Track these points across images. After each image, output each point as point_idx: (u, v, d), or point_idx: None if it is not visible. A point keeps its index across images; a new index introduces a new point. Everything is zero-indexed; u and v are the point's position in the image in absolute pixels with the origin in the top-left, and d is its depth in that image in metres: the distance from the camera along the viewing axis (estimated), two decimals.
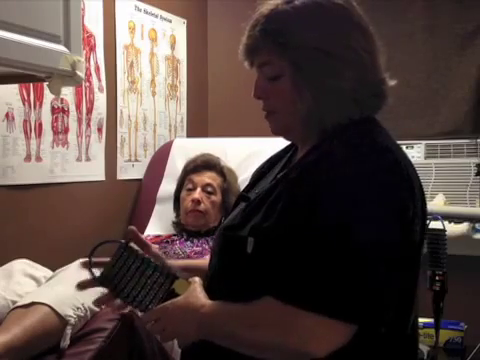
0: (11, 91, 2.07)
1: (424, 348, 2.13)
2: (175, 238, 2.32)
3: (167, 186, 2.61)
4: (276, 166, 1.31)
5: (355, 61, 1.12)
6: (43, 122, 2.22)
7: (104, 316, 1.60)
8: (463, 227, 2.66)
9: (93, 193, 2.50)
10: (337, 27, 1.14)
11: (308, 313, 1.02)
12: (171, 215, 2.44)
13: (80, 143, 2.41)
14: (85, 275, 1.24)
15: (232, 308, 1.10)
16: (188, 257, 2.17)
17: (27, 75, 1.63)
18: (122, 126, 2.67)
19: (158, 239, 2.35)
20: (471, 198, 2.84)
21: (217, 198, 2.31)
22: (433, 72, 2.82)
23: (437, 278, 1.95)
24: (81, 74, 1.66)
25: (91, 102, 2.46)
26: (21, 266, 1.76)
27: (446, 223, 2.13)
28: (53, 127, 2.27)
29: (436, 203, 2.73)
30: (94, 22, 2.46)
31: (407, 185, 1.08)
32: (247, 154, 2.53)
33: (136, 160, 2.78)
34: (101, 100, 2.52)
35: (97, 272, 1.21)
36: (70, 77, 1.64)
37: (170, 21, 3.00)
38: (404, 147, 1.19)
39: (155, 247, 1.93)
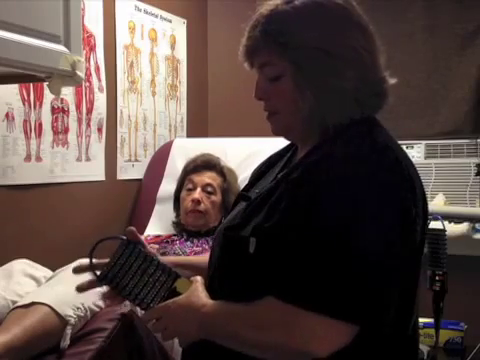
0: (11, 91, 2.07)
1: (424, 348, 2.13)
2: (175, 238, 2.32)
3: (167, 186, 2.61)
4: (276, 165, 1.31)
5: (356, 60, 1.12)
6: (43, 122, 2.22)
7: (104, 316, 1.60)
8: (463, 227, 2.66)
9: (93, 193, 2.50)
10: (337, 27, 1.14)
11: (310, 313, 1.02)
12: (171, 215, 2.44)
13: (80, 143, 2.41)
14: (85, 275, 1.23)
15: (233, 308, 1.10)
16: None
17: (27, 75, 1.63)
18: (122, 126, 2.67)
19: (158, 239, 2.35)
20: (471, 198, 2.84)
21: (217, 198, 2.31)
22: (433, 72, 2.83)
23: (437, 278, 1.95)
24: (81, 74, 1.66)
25: (91, 102, 2.46)
26: (21, 266, 1.76)
27: (446, 223, 2.13)
28: (53, 127, 2.27)
29: (436, 203, 2.73)
30: (94, 22, 2.46)
31: (408, 185, 1.08)
32: (247, 154, 2.53)
33: (136, 160, 2.78)
34: (101, 100, 2.52)
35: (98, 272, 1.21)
36: (70, 77, 1.64)
37: (170, 21, 3.00)
38: (404, 147, 1.19)
39: (154, 247, 1.93)
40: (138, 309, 1.57)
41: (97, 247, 1.17)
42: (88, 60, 2.42)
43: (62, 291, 1.59)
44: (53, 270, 1.80)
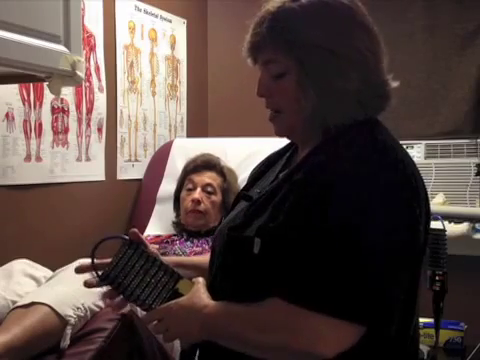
0: (11, 91, 2.07)
1: (424, 348, 2.13)
2: (175, 238, 2.32)
3: (167, 186, 2.61)
4: (276, 165, 1.31)
5: (360, 61, 1.12)
6: (43, 122, 2.22)
7: (104, 316, 1.60)
8: (463, 227, 2.66)
9: (93, 193, 2.50)
10: (343, 27, 1.13)
11: (316, 314, 1.02)
12: (171, 215, 2.44)
13: (80, 143, 2.41)
14: (85, 275, 1.23)
15: (236, 309, 1.10)
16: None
17: (27, 75, 1.63)
18: (122, 126, 2.67)
19: (158, 239, 2.35)
20: (471, 198, 2.84)
21: (217, 198, 2.31)
22: (433, 72, 2.83)
23: (437, 278, 1.95)
24: (81, 74, 1.66)
25: (91, 102, 2.46)
26: (21, 266, 1.76)
27: (446, 223, 2.13)
28: (53, 127, 2.27)
29: (436, 203, 2.73)
30: (94, 22, 2.46)
31: (411, 185, 1.08)
32: (247, 154, 2.53)
33: (136, 160, 2.78)
34: (101, 100, 2.52)
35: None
36: (70, 77, 1.64)
37: (170, 21, 3.00)
38: (404, 147, 1.19)
39: (154, 247, 1.93)
40: (139, 310, 1.57)
41: (99, 247, 1.17)
42: (88, 60, 2.42)
43: (62, 291, 1.59)
44: (53, 270, 1.79)
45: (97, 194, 2.53)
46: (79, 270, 1.23)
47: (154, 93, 2.88)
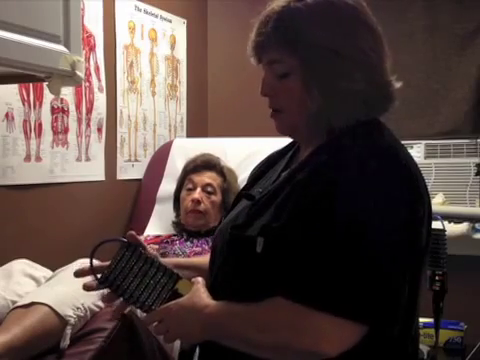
0: (11, 91, 2.07)
1: (424, 348, 2.13)
2: (175, 238, 2.32)
3: (167, 186, 2.61)
4: (277, 164, 1.30)
5: (364, 62, 1.12)
6: (43, 122, 2.22)
7: (104, 316, 1.60)
8: (463, 227, 2.66)
9: (93, 193, 2.50)
10: (348, 27, 1.13)
11: (320, 313, 1.01)
12: (171, 215, 2.44)
13: (80, 143, 2.41)
14: (86, 277, 1.23)
15: (239, 308, 1.09)
16: (188, 257, 2.17)
17: (27, 75, 1.63)
18: (122, 126, 2.67)
19: (158, 239, 2.35)
20: (471, 198, 2.84)
21: (217, 198, 2.31)
22: (433, 72, 2.83)
23: (437, 278, 1.95)
24: (81, 74, 1.66)
25: (91, 102, 2.46)
26: (21, 266, 1.76)
27: (446, 223, 2.13)
28: (53, 127, 2.27)
29: (436, 203, 2.73)
30: (94, 22, 2.46)
31: (415, 186, 1.09)
32: (247, 154, 2.53)
33: (136, 160, 2.78)
34: (101, 100, 2.52)
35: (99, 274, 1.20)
36: (70, 77, 1.64)
37: (170, 21, 3.00)
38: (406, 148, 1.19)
39: (154, 248, 1.93)
40: (139, 312, 1.57)
41: (97, 249, 1.17)
42: (88, 60, 2.42)
43: (62, 291, 1.59)
44: (53, 270, 1.79)
45: (97, 194, 2.53)
46: (78, 274, 1.23)
47: (154, 93, 2.88)
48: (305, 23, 1.12)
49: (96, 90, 2.49)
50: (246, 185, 1.35)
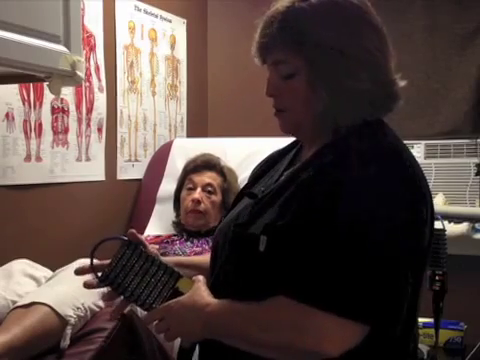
0: (11, 91, 2.07)
1: (424, 348, 2.13)
2: (175, 238, 2.32)
3: (167, 186, 2.61)
4: (279, 163, 1.30)
5: (369, 61, 1.12)
6: (43, 122, 2.22)
7: (104, 316, 1.60)
8: (463, 227, 2.66)
9: (93, 193, 2.51)
10: (353, 27, 1.13)
11: (323, 312, 1.01)
12: (171, 215, 2.44)
13: (80, 143, 2.41)
14: (85, 276, 1.23)
15: (241, 307, 1.09)
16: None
17: (27, 75, 1.63)
18: (122, 126, 2.67)
19: (158, 239, 2.35)
20: (471, 198, 2.84)
21: (217, 198, 2.31)
22: (433, 72, 2.83)
23: (437, 278, 1.95)
24: (81, 74, 1.66)
25: (91, 102, 2.46)
26: (21, 266, 1.76)
27: (446, 223, 2.13)
28: (53, 127, 2.27)
29: (436, 203, 2.73)
30: (94, 22, 2.46)
31: (418, 187, 1.09)
32: (247, 154, 2.53)
33: (136, 160, 2.78)
34: (101, 100, 2.52)
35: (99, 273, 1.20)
36: (70, 77, 1.64)
37: (170, 21, 3.00)
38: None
39: (155, 248, 1.93)
40: (139, 310, 1.57)
41: (98, 248, 1.17)
42: (88, 60, 2.42)
43: (62, 291, 1.59)
44: (53, 270, 1.80)
45: (97, 194, 2.53)
46: (79, 272, 1.23)
47: (154, 93, 2.88)
48: (310, 23, 1.12)
49: (96, 90, 2.49)
50: (247, 184, 1.35)
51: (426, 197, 1.10)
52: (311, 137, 1.21)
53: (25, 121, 2.14)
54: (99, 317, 1.61)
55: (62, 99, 2.30)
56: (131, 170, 2.74)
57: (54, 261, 1.85)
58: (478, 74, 2.75)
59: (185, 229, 2.34)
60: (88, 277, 1.22)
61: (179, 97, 3.09)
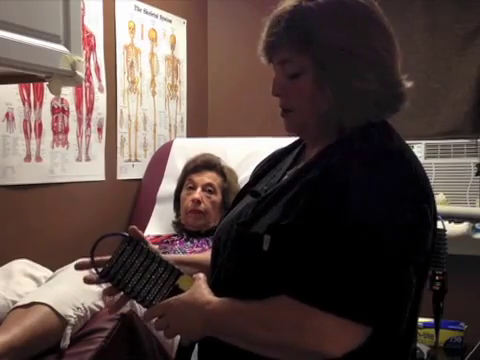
0: (11, 91, 2.07)
1: (424, 348, 2.13)
2: (175, 238, 2.32)
3: (167, 186, 2.61)
4: (281, 162, 1.30)
5: (376, 62, 1.12)
6: (43, 122, 2.22)
7: (104, 316, 1.60)
8: (463, 227, 2.66)
9: (93, 193, 2.51)
10: (360, 27, 1.13)
11: (325, 313, 1.01)
12: (171, 215, 2.44)
13: (80, 143, 2.41)
14: (85, 272, 1.23)
15: (242, 306, 1.09)
16: None
17: (27, 75, 1.63)
18: (122, 126, 2.67)
19: (158, 239, 2.35)
20: (471, 198, 2.84)
21: (217, 198, 2.31)
22: (433, 72, 2.83)
23: (437, 278, 1.95)
24: (81, 74, 1.66)
25: (91, 102, 2.46)
26: (21, 266, 1.76)
27: (446, 223, 2.13)
28: (53, 127, 2.27)
29: (436, 203, 2.73)
30: (94, 22, 2.46)
31: (423, 188, 1.09)
32: (247, 154, 2.53)
33: (136, 160, 2.78)
34: (101, 100, 2.52)
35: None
36: (70, 77, 1.64)
37: (170, 21, 3.00)
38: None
39: (155, 247, 1.93)
40: (138, 306, 1.57)
41: (98, 244, 1.17)
42: (88, 60, 2.42)
43: (62, 291, 1.59)
44: (53, 270, 1.80)
45: (97, 194, 2.53)
46: (79, 267, 1.23)
47: (154, 93, 2.88)
48: (317, 23, 1.12)
49: (96, 90, 2.49)
50: (248, 183, 1.35)
51: (430, 198, 1.11)
52: (315, 137, 1.21)
53: (25, 121, 2.14)
54: (99, 317, 1.61)
55: (62, 99, 2.30)
56: (131, 170, 2.74)
57: (54, 261, 1.85)
58: (478, 74, 2.75)
59: (185, 229, 2.34)
60: (88, 273, 1.22)
61: (179, 97, 3.09)
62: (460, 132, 2.82)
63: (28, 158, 2.16)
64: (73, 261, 1.70)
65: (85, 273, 1.22)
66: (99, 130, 2.52)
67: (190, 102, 3.17)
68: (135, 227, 1.21)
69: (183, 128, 3.13)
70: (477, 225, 2.71)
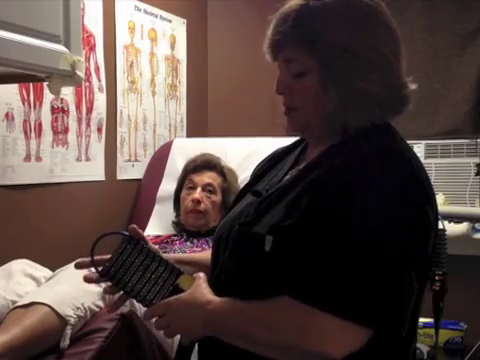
0: (11, 91, 2.07)
1: (424, 348, 2.13)
2: (175, 238, 2.32)
3: (167, 186, 2.61)
4: (283, 162, 1.29)
5: (380, 63, 1.12)
6: (43, 122, 2.22)
7: (104, 316, 1.60)
8: (463, 227, 2.66)
9: (93, 193, 2.50)
10: (366, 27, 1.13)
11: (327, 314, 1.01)
12: (171, 215, 2.44)
13: (80, 143, 2.41)
14: (85, 271, 1.23)
15: (243, 306, 1.09)
16: None
17: (27, 75, 1.63)
18: (122, 126, 2.67)
19: (158, 239, 2.35)
20: (471, 198, 2.84)
21: (217, 198, 2.31)
22: (433, 72, 2.82)
23: (437, 278, 1.95)
24: (81, 74, 1.66)
25: (91, 102, 2.46)
26: (21, 266, 1.76)
27: (446, 223, 2.13)
28: (53, 127, 2.27)
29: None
30: (94, 22, 2.46)
31: (425, 190, 1.09)
32: (247, 154, 2.53)
33: (136, 160, 2.78)
34: (101, 100, 2.52)
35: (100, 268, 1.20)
36: (70, 77, 1.64)
37: (170, 21, 3.00)
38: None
39: (155, 247, 1.93)
40: (138, 306, 1.57)
41: (98, 243, 1.16)
42: (88, 60, 2.42)
43: (62, 291, 1.59)
44: (53, 270, 1.80)
45: (97, 194, 2.53)
46: (79, 266, 1.23)
47: (154, 93, 2.88)
48: (323, 22, 1.11)
49: (96, 90, 2.49)
50: (249, 182, 1.34)
51: (431, 199, 1.11)
52: (318, 137, 1.20)
53: (25, 121, 2.14)
54: (99, 317, 1.61)
55: (62, 99, 2.30)
56: (131, 170, 2.74)
57: (54, 261, 1.85)
58: (478, 74, 2.75)
59: (185, 229, 2.34)
60: (88, 272, 1.22)
61: (179, 97, 3.09)
62: (460, 132, 2.82)
63: (28, 158, 2.16)
64: (73, 261, 1.70)
65: (85, 273, 1.22)
66: (99, 130, 2.52)
67: (190, 102, 3.17)
68: (135, 226, 1.21)
69: (183, 128, 3.13)
70: (477, 225, 2.71)
